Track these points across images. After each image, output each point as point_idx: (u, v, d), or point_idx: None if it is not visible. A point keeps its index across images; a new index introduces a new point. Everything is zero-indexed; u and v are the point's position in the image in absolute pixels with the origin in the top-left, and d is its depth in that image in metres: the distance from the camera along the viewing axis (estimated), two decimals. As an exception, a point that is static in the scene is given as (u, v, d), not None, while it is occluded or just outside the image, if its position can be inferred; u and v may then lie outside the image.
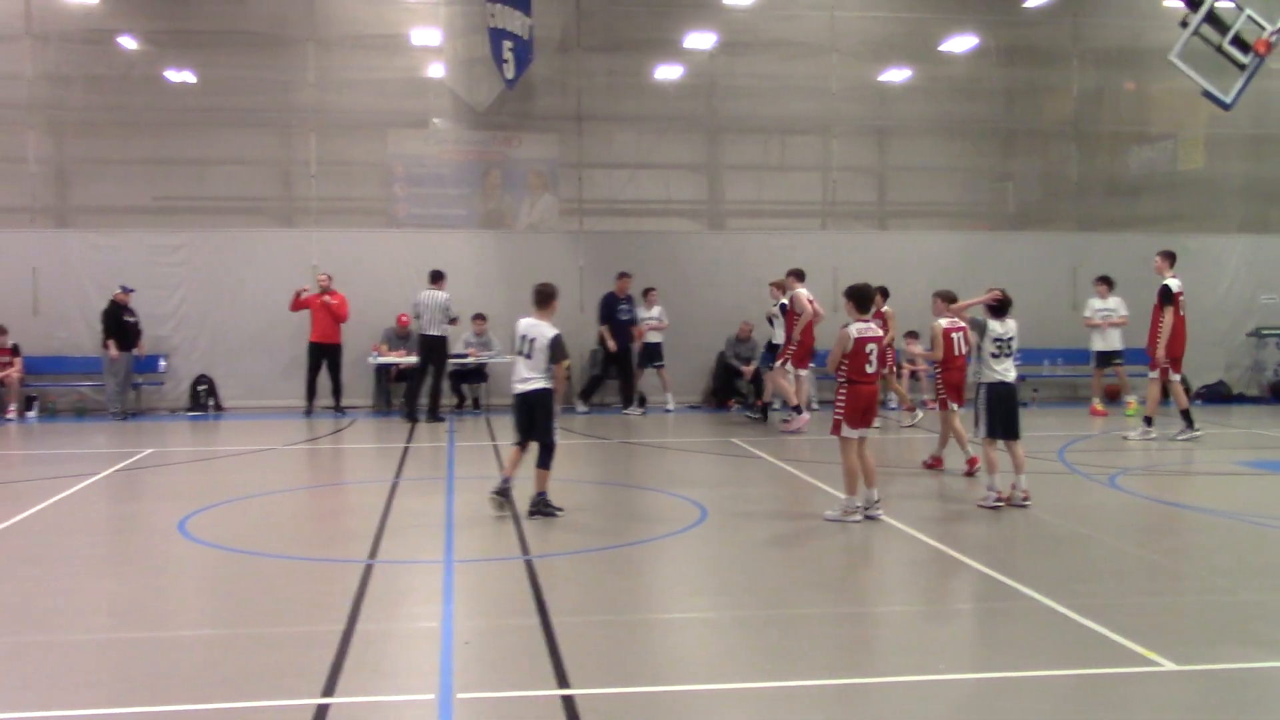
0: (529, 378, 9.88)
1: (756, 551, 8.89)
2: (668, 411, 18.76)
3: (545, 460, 9.93)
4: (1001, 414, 10.37)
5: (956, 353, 12.15)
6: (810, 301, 15.80)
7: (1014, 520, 9.91)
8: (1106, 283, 17.81)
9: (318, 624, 6.74)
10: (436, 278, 17.37)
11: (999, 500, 10.20)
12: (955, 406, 12.29)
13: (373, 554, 8.61)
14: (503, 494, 9.98)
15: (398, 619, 7.00)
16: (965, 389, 12.34)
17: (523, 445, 10.07)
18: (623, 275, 18.81)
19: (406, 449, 14.64)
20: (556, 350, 9.80)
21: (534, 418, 9.92)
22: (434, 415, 17.40)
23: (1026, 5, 21.42)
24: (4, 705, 5.51)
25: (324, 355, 18.24)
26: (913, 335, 19.22)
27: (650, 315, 18.94)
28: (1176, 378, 14.90)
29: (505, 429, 16.26)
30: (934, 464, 12.57)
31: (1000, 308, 10.55)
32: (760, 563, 8.59)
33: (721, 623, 6.99)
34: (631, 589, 7.86)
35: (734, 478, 12.71)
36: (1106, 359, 17.84)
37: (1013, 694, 5.72)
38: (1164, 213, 22.45)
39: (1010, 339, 10.48)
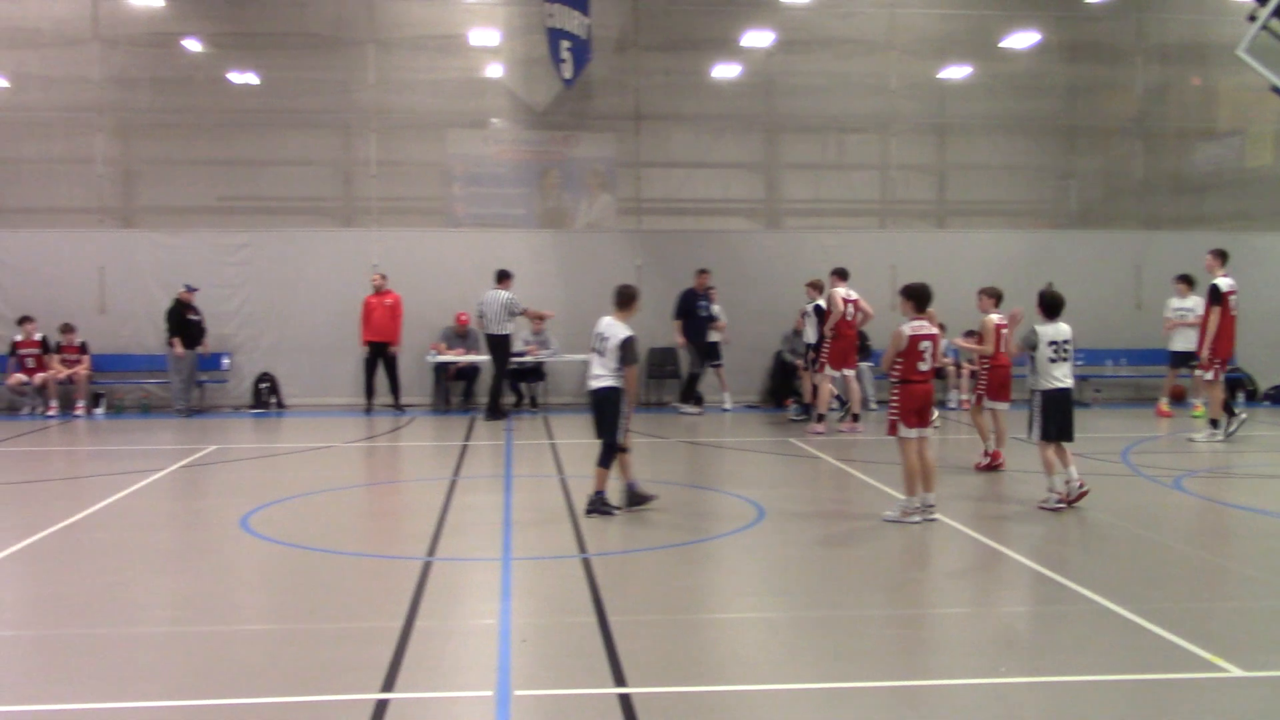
0: (599, 375, 9.98)
1: (814, 552, 8.85)
2: (725, 411, 18.72)
3: (606, 459, 9.97)
4: (1057, 418, 10.17)
5: (1004, 349, 12.15)
6: (852, 301, 15.65)
7: (1076, 522, 9.77)
8: (1187, 282, 17.42)
9: (377, 620, 6.80)
10: (501, 277, 17.49)
11: (1060, 501, 10.07)
12: (991, 403, 12.43)
13: (431, 551, 8.68)
14: (637, 498, 10.13)
15: (456, 616, 7.04)
16: (1011, 386, 12.50)
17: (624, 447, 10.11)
18: (702, 271, 18.65)
19: (465, 447, 14.73)
20: (626, 352, 9.85)
21: (602, 415, 10.01)
22: (493, 413, 17.50)
23: (1089, 0, 21.13)
24: (74, 696, 5.63)
25: (380, 354, 18.43)
26: (972, 334, 19.03)
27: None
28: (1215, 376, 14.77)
29: (563, 427, 16.35)
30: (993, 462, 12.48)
31: (1051, 309, 10.24)
32: (818, 563, 8.55)
33: (779, 623, 6.96)
34: (688, 588, 7.85)
35: (792, 477, 12.66)
36: (1183, 359, 17.49)
37: (1074, 698, 5.65)
38: (1231, 210, 22.02)
39: (1066, 342, 10.19)
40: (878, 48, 20.80)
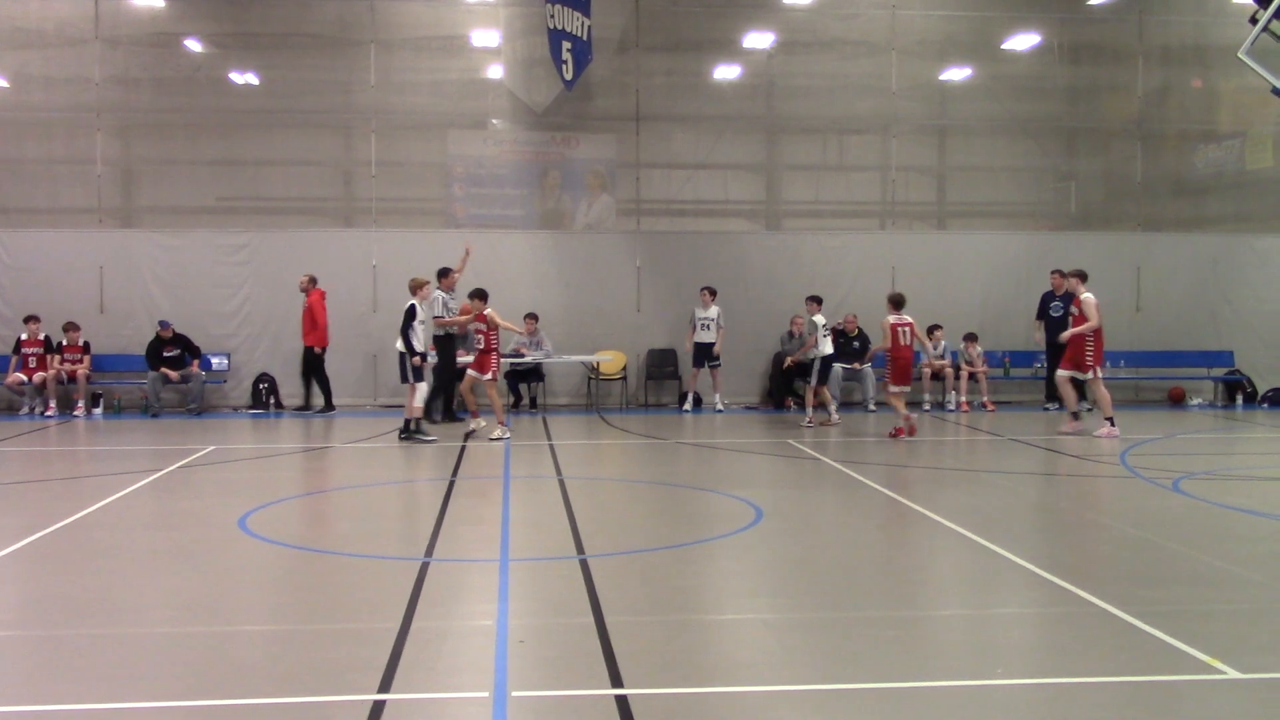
0: None
1: (812, 553, 8.85)
2: (718, 412, 18.73)
3: None
4: (823, 373, 16.50)
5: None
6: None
7: (1077, 525, 9.78)
8: None
9: (375, 621, 6.80)
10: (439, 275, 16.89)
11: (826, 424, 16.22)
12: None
13: (429, 552, 8.67)
14: None
15: (453, 617, 7.03)
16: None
17: None
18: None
19: (464, 448, 14.73)
20: None
21: None
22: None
23: (1091, 2, 21.17)
24: (71, 696, 5.62)
25: (306, 357, 18.65)
26: (971, 338, 19.04)
27: (707, 315, 18.88)
28: None
29: (561, 428, 16.32)
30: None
31: (820, 303, 16.63)
32: (816, 564, 8.54)
33: (777, 624, 6.95)
34: (686, 589, 7.84)
35: (790, 479, 12.65)
36: None
37: (1071, 700, 5.63)
38: (1231, 213, 22.06)
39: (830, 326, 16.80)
40: (878, 49, 20.80)
